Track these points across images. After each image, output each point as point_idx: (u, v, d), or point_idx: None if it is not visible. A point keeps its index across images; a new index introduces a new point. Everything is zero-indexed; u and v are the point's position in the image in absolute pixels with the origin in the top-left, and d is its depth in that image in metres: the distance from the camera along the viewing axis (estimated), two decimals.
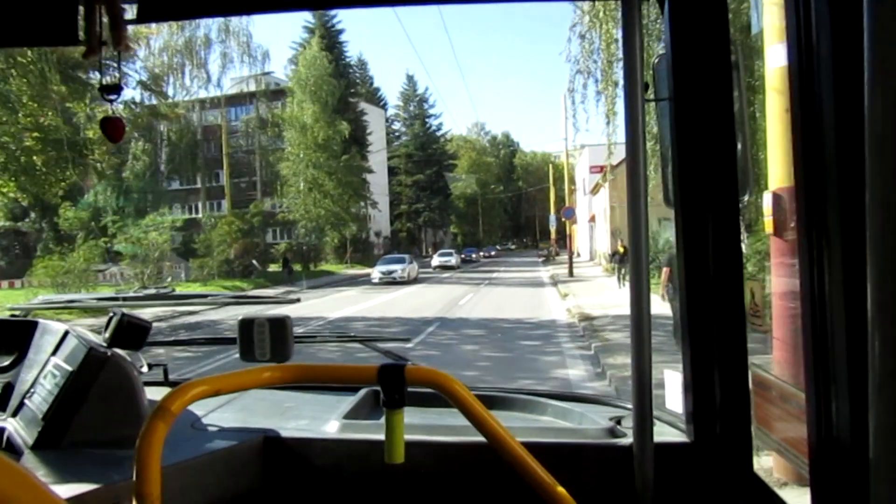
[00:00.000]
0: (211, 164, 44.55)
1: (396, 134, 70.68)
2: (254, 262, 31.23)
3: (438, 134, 71.77)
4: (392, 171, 67.44)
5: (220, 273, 28.55)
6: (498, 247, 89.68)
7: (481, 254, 50.49)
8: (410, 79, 71.00)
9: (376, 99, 64.77)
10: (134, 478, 0.88)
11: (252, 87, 40.43)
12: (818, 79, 0.75)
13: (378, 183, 56.43)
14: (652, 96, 1.27)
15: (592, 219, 38.49)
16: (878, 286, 0.55)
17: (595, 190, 34.75)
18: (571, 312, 14.34)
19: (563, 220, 26.56)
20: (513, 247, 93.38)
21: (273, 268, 32.99)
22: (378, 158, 57.06)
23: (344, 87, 41.74)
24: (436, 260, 43.37)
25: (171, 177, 44.33)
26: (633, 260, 1.23)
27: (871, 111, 0.54)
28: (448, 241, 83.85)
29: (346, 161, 39.16)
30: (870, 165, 0.55)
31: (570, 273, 26.40)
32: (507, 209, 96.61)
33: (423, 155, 68.23)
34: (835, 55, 0.72)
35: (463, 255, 50.79)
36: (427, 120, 70.59)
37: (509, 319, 13.63)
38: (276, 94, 42.50)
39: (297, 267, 34.70)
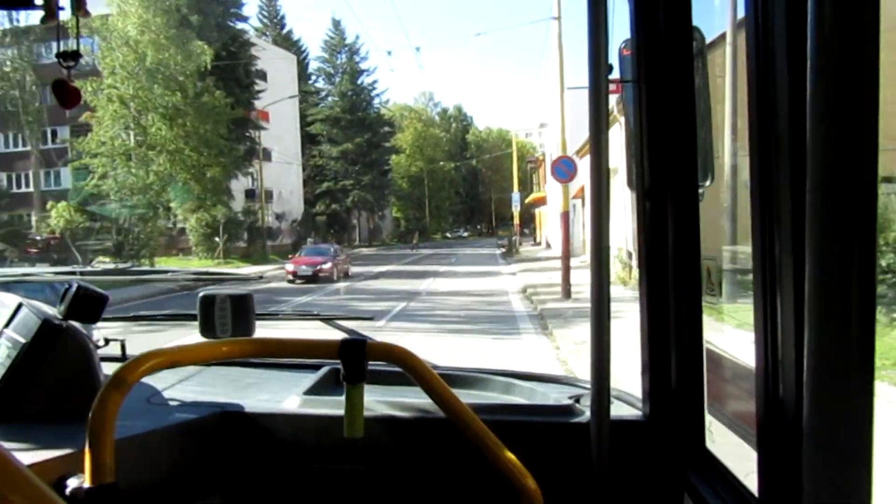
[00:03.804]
0: (51, 117, 30.20)
1: (322, 94, 56.46)
2: None
3: (373, 94, 57.80)
4: (313, 140, 53.46)
5: None
6: (448, 234, 77.12)
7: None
8: (337, 24, 56.80)
9: (290, 44, 50.63)
10: (87, 448, 0.88)
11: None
12: (774, 73, 0.79)
13: (285, 151, 42.46)
14: (617, 78, 1.27)
15: (580, 193, 25.19)
16: (814, 269, 0.59)
17: (586, 149, 21.62)
18: None
19: (558, 180, 13.33)
20: (465, 234, 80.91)
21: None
22: (284, 118, 43.07)
23: None
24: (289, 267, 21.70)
25: None
26: (594, 240, 1.23)
27: (813, 101, 0.58)
28: (388, 227, 70.61)
29: (197, 101, 24.99)
30: (811, 154, 0.58)
31: (567, 291, 13.24)
32: (460, 190, 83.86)
33: (353, 119, 54.30)
34: (790, 49, 0.75)
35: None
36: (358, 76, 56.57)
37: None
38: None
39: (105, 259, 20.72)
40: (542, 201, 40.86)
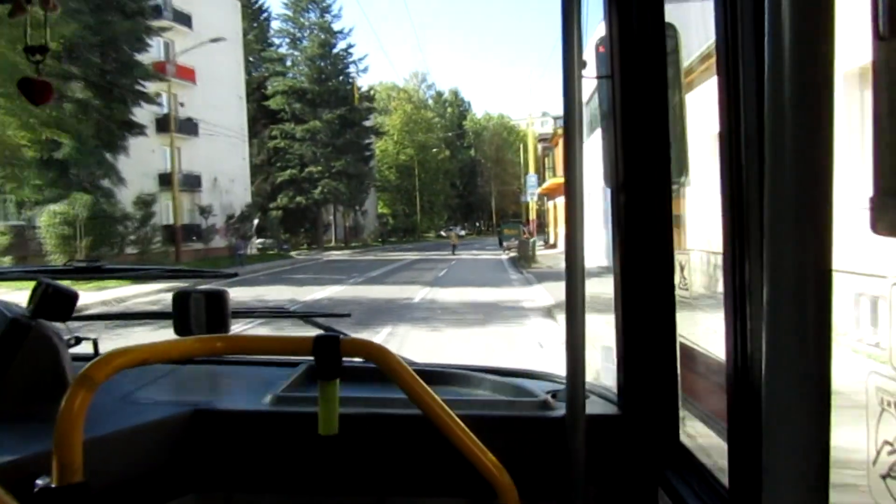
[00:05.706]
0: None
1: (288, 61, 46.01)
2: None
3: (349, 61, 47.25)
4: (274, 117, 43.08)
5: None
6: (443, 233, 66.73)
7: None
8: None
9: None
10: (54, 448, 0.89)
11: None
12: (741, 71, 0.81)
13: (225, 125, 31.99)
14: (592, 74, 1.28)
15: None
16: (771, 263, 0.60)
17: None
18: None
19: None
20: (463, 233, 70.32)
21: None
22: (223, 82, 32.57)
23: None
24: None
25: None
26: (567, 234, 1.25)
27: (770, 99, 0.59)
28: (372, 224, 60.20)
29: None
30: (769, 154, 0.60)
31: None
32: (456, 183, 73.55)
33: (323, 91, 43.86)
34: (758, 62, 0.77)
35: None
36: (333, 43, 46.07)
37: None
38: None
39: None
40: (557, 190, 30.76)
